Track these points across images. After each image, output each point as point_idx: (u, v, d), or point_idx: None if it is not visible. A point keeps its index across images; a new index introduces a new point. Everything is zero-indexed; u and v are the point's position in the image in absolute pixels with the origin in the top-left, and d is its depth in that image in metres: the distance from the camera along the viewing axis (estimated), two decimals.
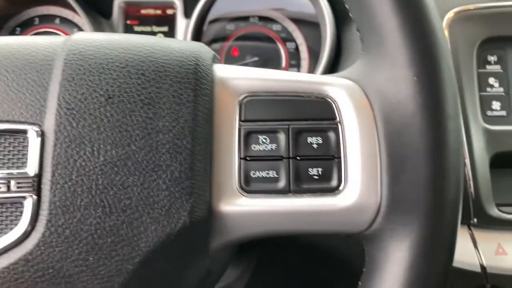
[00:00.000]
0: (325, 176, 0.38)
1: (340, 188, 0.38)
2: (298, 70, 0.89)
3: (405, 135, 0.36)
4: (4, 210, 0.35)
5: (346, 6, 0.42)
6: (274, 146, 0.39)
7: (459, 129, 0.37)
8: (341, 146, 0.39)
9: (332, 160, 0.39)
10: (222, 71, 0.41)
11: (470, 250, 0.66)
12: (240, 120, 0.39)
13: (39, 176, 0.35)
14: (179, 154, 0.36)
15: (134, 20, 0.91)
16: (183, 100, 0.37)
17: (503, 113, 0.70)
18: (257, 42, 0.90)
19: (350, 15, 0.42)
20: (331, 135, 0.39)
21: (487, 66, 0.71)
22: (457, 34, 0.70)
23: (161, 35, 0.91)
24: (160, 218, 0.35)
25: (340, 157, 0.39)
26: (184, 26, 0.89)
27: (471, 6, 0.71)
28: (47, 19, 0.92)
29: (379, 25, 0.38)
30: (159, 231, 0.35)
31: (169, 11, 0.91)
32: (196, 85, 0.38)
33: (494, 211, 0.67)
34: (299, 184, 0.38)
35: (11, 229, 0.34)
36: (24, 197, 0.34)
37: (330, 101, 0.40)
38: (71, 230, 0.34)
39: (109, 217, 0.34)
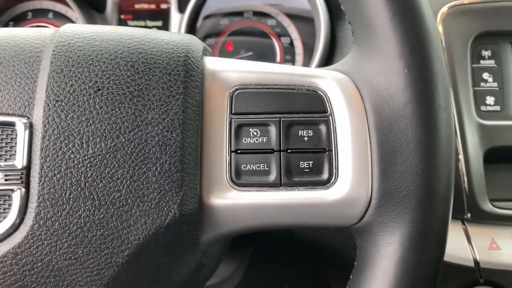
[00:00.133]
0: (316, 169, 0.38)
1: (331, 181, 0.38)
2: (293, 65, 0.88)
3: (396, 128, 0.36)
4: None
5: None
6: (265, 139, 0.39)
7: (450, 121, 0.37)
8: (332, 139, 0.38)
9: (323, 153, 0.38)
10: (212, 63, 0.41)
11: (464, 245, 0.66)
12: (230, 113, 0.39)
13: (27, 168, 0.34)
14: (169, 147, 0.35)
15: (127, 15, 0.91)
16: (173, 92, 0.37)
17: (497, 108, 0.70)
18: (252, 37, 0.90)
19: (342, 7, 0.41)
20: (322, 128, 0.39)
21: (481, 61, 0.71)
22: (451, 29, 0.70)
23: (155, 29, 0.91)
24: (150, 211, 0.35)
25: (331, 150, 0.38)
26: (178, 20, 0.88)
27: (465, 1, 0.71)
28: (40, 13, 0.91)
29: (369, 18, 0.37)
30: (149, 224, 0.35)
31: (163, 6, 0.91)
32: (186, 77, 0.37)
33: (488, 206, 0.67)
34: (290, 177, 0.38)
35: None
36: (12, 190, 0.34)
37: (321, 94, 0.40)
38: (60, 222, 0.34)
39: (98, 210, 0.34)
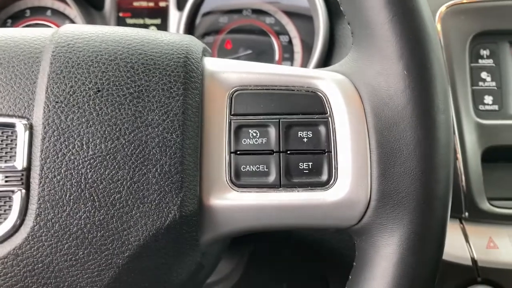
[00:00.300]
0: (316, 171, 0.38)
1: (330, 182, 0.38)
2: (292, 63, 0.88)
3: (395, 129, 0.36)
4: None
5: None
6: (264, 140, 0.39)
7: (449, 122, 0.37)
8: (332, 140, 0.39)
9: (322, 154, 0.39)
10: (212, 64, 0.41)
11: (462, 244, 0.67)
12: (230, 114, 0.39)
13: (27, 169, 0.35)
14: (169, 148, 0.36)
15: (126, 12, 0.91)
16: (173, 93, 0.37)
17: (495, 107, 0.70)
18: (251, 35, 0.90)
19: (341, 8, 0.41)
20: (322, 129, 0.39)
21: (480, 60, 0.71)
22: (450, 28, 0.70)
23: (154, 27, 0.91)
24: (150, 212, 0.35)
25: (330, 151, 0.38)
26: (177, 18, 0.88)
27: (464, 0, 0.71)
28: (39, 11, 0.91)
29: (369, 19, 0.38)
30: (149, 225, 0.35)
31: (162, 4, 0.91)
32: (186, 79, 0.37)
33: (486, 205, 0.67)
34: (290, 178, 0.38)
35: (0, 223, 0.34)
36: (12, 191, 0.34)
37: (321, 95, 0.40)
38: (60, 224, 0.34)
39: (99, 211, 0.34)
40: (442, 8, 0.70)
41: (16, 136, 0.35)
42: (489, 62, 0.71)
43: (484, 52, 0.71)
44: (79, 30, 0.39)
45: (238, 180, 0.38)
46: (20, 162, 0.35)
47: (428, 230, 0.36)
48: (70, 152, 0.34)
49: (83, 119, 0.35)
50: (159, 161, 0.35)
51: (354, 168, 0.38)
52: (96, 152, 0.35)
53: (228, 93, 0.40)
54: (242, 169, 0.38)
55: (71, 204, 0.34)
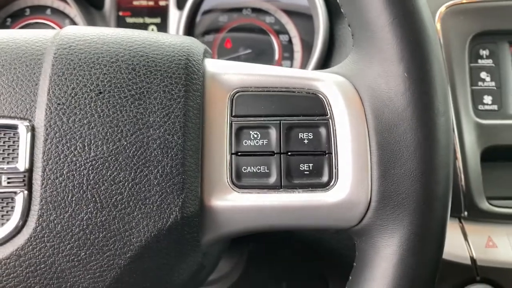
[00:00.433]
0: (316, 172, 0.39)
1: (331, 183, 0.38)
2: (291, 63, 0.89)
3: (395, 131, 0.37)
4: None
5: (338, 1, 0.42)
6: (265, 141, 0.39)
7: (449, 124, 0.37)
8: (332, 141, 0.39)
9: (323, 155, 0.39)
10: (213, 66, 0.41)
11: (461, 243, 0.67)
12: (231, 115, 0.39)
13: (30, 171, 0.35)
14: (170, 150, 0.36)
15: (126, 12, 0.91)
16: (174, 95, 0.37)
17: (495, 107, 0.71)
18: (250, 34, 0.90)
19: (342, 10, 0.42)
20: (322, 130, 0.39)
21: (479, 60, 0.71)
22: (450, 28, 0.70)
23: (154, 26, 0.91)
24: (152, 213, 0.35)
25: (331, 153, 0.39)
26: (177, 17, 0.88)
27: (463, 0, 0.71)
28: (38, 9, 0.91)
29: (369, 21, 0.38)
30: (151, 226, 0.35)
31: (162, 3, 0.91)
32: (187, 80, 0.37)
33: (485, 205, 0.68)
34: (290, 180, 0.39)
35: (2, 224, 0.34)
36: (15, 192, 0.34)
37: (321, 97, 0.40)
38: (62, 225, 0.34)
39: (101, 212, 0.35)
40: (442, 8, 0.70)
41: (18, 138, 0.35)
42: (489, 62, 0.71)
43: (484, 52, 0.72)
44: (81, 32, 0.39)
45: (239, 181, 0.38)
46: (22, 164, 0.35)
47: (428, 231, 0.37)
48: (72, 154, 0.35)
49: (84, 121, 0.35)
50: (161, 162, 0.35)
51: (354, 170, 0.38)
52: (98, 153, 0.35)
53: (229, 95, 0.40)
54: (243, 170, 0.39)
55: (73, 205, 0.34)
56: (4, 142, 0.35)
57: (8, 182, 0.35)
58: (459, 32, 0.70)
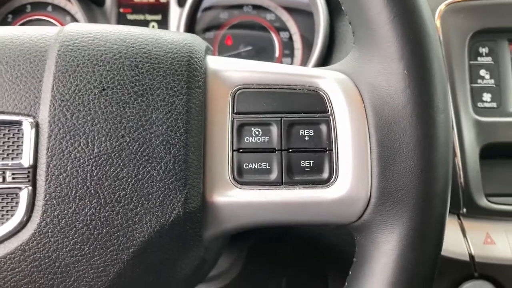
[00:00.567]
0: (317, 168, 0.39)
1: (331, 180, 0.39)
2: (292, 60, 0.89)
3: (395, 128, 0.37)
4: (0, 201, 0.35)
5: None
6: (266, 138, 0.39)
7: (448, 122, 0.38)
8: (333, 138, 0.39)
9: (323, 152, 0.39)
10: (215, 63, 0.41)
11: (459, 240, 0.67)
12: (233, 112, 0.40)
13: (34, 167, 0.35)
14: (173, 146, 0.36)
15: (127, 8, 0.91)
16: (177, 92, 0.37)
17: (494, 104, 0.71)
18: (251, 31, 0.90)
19: (343, 7, 0.42)
20: (323, 127, 0.40)
21: (479, 58, 0.72)
22: (449, 26, 0.70)
23: (154, 23, 0.91)
24: (154, 209, 0.36)
25: (331, 150, 0.39)
26: (177, 14, 0.89)
27: None
28: (39, 6, 0.91)
29: (370, 19, 0.38)
30: (153, 222, 0.36)
31: (162, 0, 0.91)
32: (189, 77, 0.38)
33: (483, 202, 0.68)
34: (291, 176, 0.39)
35: (7, 219, 0.35)
36: (19, 188, 0.35)
37: (322, 94, 0.40)
38: (66, 220, 0.35)
39: (104, 208, 0.35)
40: (442, 6, 0.71)
41: (23, 134, 0.36)
42: (488, 59, 0.72)
43: (483, 50, 0.72)
44: (84, 29, 0.39)
45: (241, 177, 0.39)
46: (26, 160, 0.35)
47: (428, 227, 0.37)
48: (76, 150, 0.35)
49: (88, 118, 0.36)
50: (163, 158, 0.36)
51: (354, 166, 0.38)
52: (102, 150, 0.35)
53: (230, 92, 0.40)
54: (244, 166, 0.39)
55: (77, 201, 0.35)
56: (8, 138, 0.36)
57: (13, 178, 0.35)
58: (459, 29, 0.71)
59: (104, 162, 0.35)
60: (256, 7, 0.91)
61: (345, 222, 0.40)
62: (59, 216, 0.35)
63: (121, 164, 0.35)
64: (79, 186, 0.35)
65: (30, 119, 0.35)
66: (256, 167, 0.39)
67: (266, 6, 0.90)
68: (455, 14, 0.71)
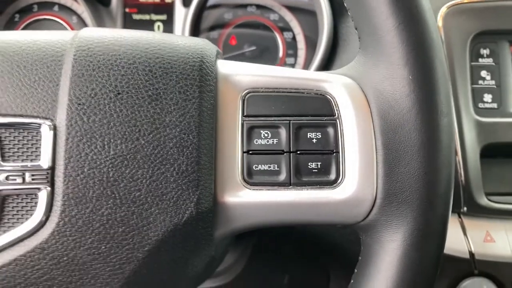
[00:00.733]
0: (324, 170, 0.40)
1: (338, 181, 0.40)
2: (295, 60, 0.90)
3: (400, 131, 0.38)
4: (19, 201, 0.36)
5: (345, 5, 0.43)
6: (275, 140, 0.41)
7: (451, 125, 0.39)
8: (340, 141, 0.40)
9: (330, 154, 0.41)
10: (225, 67, 0.43)
11: (460, 238, 0.69)
12: (242, 115, 0.41)
13: (52, 168, 0.36)
14: (186, 148, 0.37)
15: (132, 8, 0.92)
16: (189, 96, 0.38)
17: (494, 105, 0.72)
18: (255, 31, 0.91)
19: (349, 13, 0.43)
20: (330, 130, 0.41)
21: (480, 59, 0.73)
22: (451, 28, 0.71)
23: (160, 23, 0.92)
24: (168, 209, 0.37)
25: (338, 152, 0.40)
26: (183, 14, 0.90)
27: (465, 0, 0.72)
28: (46, 6, 0.92)
29: (376, 25, 0.39)
30: (167, 221, 0.37)
31: (168, 0, 0.92)
32: (201, 82, 0.39)
33: (483, 200, 0.70)
34: (299, 177, 0.40)
35: (26, 219, 0.36)
36: (38, 189, 0.36)
37: (330, 98, 0.41)
38: (84, 220, 0.36)
39: (120, 208, 0.36)
40: (444, 8, 0.72)
41: (41, 137, 0.37)
42: (489, 61, 0.73)
43: (484, 51, 0.73)
44: (98, 34, 0.41)
45: (251, 178, 0.40)
46: (45, 161, 0.36)
47: (431, 227, 0.39)
48: (93, 152, 0.36)
49: (104, 121, 0.37)
50: (177, 160, 0.37)
51: (361, 168, 0.40)
52: (117, 152, 0.37)
53: (240, 95, 0.41)
54: (254, 168, 0.40)
55: (94, 201, 0.36)
56: (27, 141, 0.37)
57: (32, 179, 0.36)
58: (460, 31, 0.72)
59: (120, 163, 0.36)
60: (260, 7, 0.92)
61: (351, 222, 0.41)
62: (76, 216, 0.36)
63: (136, 165, 0.37)
64: (96, 187, 0.36)
65: (48, 122, 0.37)
66: (265, 168, 0.40)
67: (270, 6, 0.91)
68: (457, 16, 0.72)
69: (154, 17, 0.92)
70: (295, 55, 0.90)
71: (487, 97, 0.72)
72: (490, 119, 0.71)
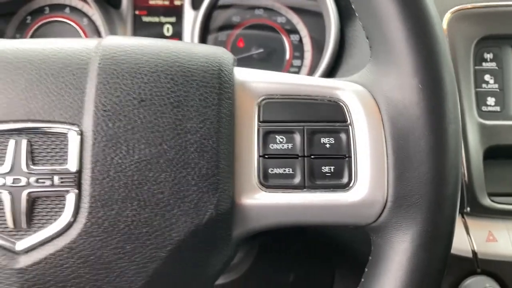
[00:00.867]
0: (337, 174, 0.42)
1: (351, 184, 0.42)
2: (302, 62, 0.92)
3: (410, 137, 0.40)
4: (49, 202, 0.38)
5: (357, 14, 0.45)
6: (290, 145, 0.43)
7: (458, 132, 0.41)
8: (352, 146, 0.42)
9: (343, 159, 0.42)
10: (241, 74, 0.44)
11: (463, 237, 0.70)
12: (259, 121, 0.43)
13: (79, 172, 0.38)
14: (206, 153, 0.39)
15: (142, 11, 0.94)
16: (209, 103, 0.40)
17: (497, 108, 0.74)
18: (262, 33, 0.93)
19: (360, 22, 0.45)
20: (343, 136, 0.43)
21: (483, 63, 0.74)
22: (455, 32, 0.73)
23: (169, 25, 0.93)
24: (190, 210, 0.39)
25: (350, 156, 0.42)
26: (192, 17, 0.91)
27: (469, 5, 0.74)
28: (57, 8, 0.94)
29: (387, 35, 0.41)
30: (189, 222, 0.39)
31: (177, 2, 0.93)
32: (220, 89, 0.41)
33: (486, 201, 0.71)
34: (313, 181, 0.42)
35: (55, 220, 0.38)
36: (67, 191, 0.38)
37: (342, 104, 0.43)
38: (110, 221, 0.38)
39: (144, 210, 0.38)
40: (448, 14, 0.73)
41: (68, 142, 0.38)
42: (492, 65, 0.75)
43: (488, 56, 0.75)
44: (120, 43, 0.42)
45: (267, 181, 0.42)
46: (72, 165, 0.38)
47: (439, 229, 0.40)
48: (118, 157, 0.38)
49: (129, 127, 0.39)
50: (198, 164, 0.39)
51: (372, 172, 0.41)
52: (142, 156, 0.38)
53: (256, 102, 0.43)
54: (270, 171, 0.42)
55: (119, 203, 0.38)
56: (56, 145, 0.39)
57: (61, 182, 0.38)
58: (465, 36, 0.73)
59: (143, 167, 0.38)
60: (267, 10, 0.93)
61: (363, 223, 0.43)
62: (103, 217, 0.38)
63: (160, 169, 0.38)
64: (121, 190, 0.38)
65: (75, 128, 0.38)
66: (280, 172, 0.42)
67: (277, 9, 0.93)
68: (461, 21, 0.73)
69: (163, 19, 0.94)
70: (301, 57, 0.92)
71: (490, 100, 0.74)
72: (493, 122, 0.72)
